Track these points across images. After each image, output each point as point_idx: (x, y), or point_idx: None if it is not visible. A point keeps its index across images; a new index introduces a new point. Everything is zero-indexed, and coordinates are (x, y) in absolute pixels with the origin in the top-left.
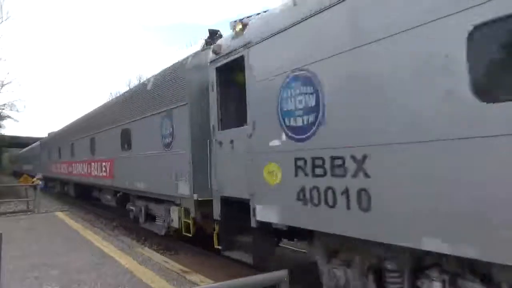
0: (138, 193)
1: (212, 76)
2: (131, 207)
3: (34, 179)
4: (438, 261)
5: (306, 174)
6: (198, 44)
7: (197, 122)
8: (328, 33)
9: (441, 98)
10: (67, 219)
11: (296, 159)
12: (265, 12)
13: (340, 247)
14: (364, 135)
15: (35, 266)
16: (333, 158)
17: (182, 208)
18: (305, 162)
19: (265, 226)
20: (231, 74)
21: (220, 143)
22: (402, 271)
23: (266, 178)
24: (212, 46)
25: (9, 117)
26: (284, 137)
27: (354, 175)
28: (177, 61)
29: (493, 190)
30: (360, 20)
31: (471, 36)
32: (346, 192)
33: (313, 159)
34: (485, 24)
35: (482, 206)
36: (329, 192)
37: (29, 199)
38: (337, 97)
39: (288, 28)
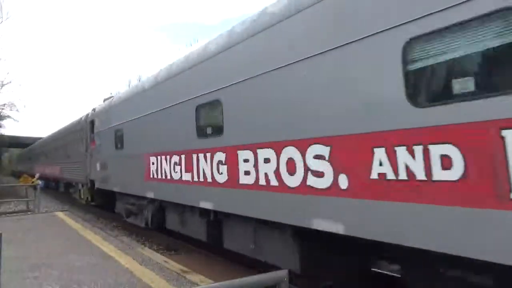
0: None
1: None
2: None
3: (34, 179)
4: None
5: None
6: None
7: None
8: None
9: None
10: (67, 219)
11: None
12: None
13: None
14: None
15: (35, 266)
16: None
17: None
18: None
19: None
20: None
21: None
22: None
23: None
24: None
25: (9, 117)
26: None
27: None
28: None
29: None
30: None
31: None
32: None
33: None
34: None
35: None
36: None
37: (29, 199)
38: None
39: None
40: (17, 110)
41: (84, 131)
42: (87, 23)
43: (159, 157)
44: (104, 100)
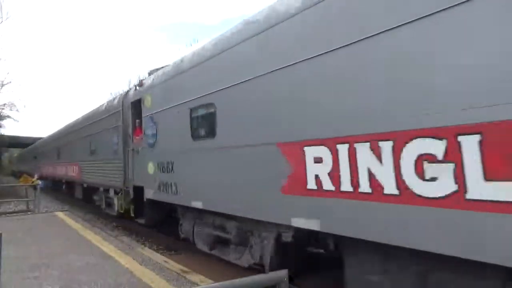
0: None
1: None
2: None
3: (34, 179)
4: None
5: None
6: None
7: None
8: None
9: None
10: (67, 219)
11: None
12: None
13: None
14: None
15: (35, 266)
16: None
17: None
18: None
19: None
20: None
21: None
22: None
23: None
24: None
25: (9, 117)
26: None
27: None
28: None
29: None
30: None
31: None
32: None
33: None
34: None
35: None
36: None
37: (29, 199)
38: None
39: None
40: (17, 110)
41: (121, 117)
42: (87, 23)
43: (343, 149)
44: (149, 74)
